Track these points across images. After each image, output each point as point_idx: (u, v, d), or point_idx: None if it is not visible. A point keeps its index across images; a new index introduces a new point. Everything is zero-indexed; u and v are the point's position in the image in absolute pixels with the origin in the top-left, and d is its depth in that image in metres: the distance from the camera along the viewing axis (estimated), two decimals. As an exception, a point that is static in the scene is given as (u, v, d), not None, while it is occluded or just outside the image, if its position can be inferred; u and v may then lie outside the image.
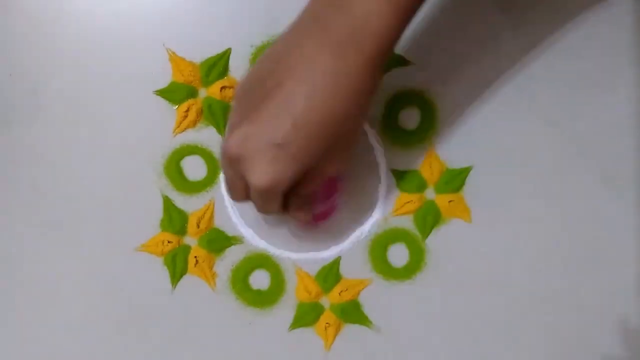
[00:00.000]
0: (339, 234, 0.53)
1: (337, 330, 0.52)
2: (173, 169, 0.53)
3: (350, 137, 0.45)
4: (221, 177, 0.53)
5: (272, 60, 0.44)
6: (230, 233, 0.53)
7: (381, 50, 0.43)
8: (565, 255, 0.53)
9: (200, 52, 0.54)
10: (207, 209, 0.53)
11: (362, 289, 0.53)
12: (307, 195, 0.47)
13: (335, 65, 0.42)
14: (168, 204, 0.53)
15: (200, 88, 0.54)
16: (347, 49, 0.42)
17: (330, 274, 0.53)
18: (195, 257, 0.53)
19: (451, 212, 0.53)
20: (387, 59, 0.44)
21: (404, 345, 0.52)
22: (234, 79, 0.54)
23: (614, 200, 0.53)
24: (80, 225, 0.53)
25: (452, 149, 0.53)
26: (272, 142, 0.43)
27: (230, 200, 0.53)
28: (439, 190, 0.53)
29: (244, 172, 0.44)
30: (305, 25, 0.44)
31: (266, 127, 0.43)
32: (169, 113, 0.54)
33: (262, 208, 0.47)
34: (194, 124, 0.54)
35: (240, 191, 0.46)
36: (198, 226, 0.53)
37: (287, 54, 0.43)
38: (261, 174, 0.43)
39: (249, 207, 0.53)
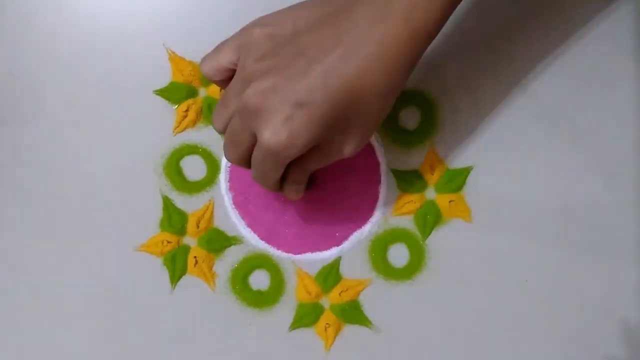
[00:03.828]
0: (339, 234, 0.53)
1: (337, 331, 0.52)
2: (173, 168, 0.53)
3: (374, 115, 0.43)
4: (221, 176, 0.53)
5: (317, 17, 0.43)
6: (230, 233, 0.53)
7: (428, 26, 0.42)
8: (565, 255, 0.52)
9: (200, 52, 0.53)
10: (207, 209, 0.53)
11: (362, 289, 0.53)
12: (310, 170, 0.46)
13: (380, 33, 0.41)
14: (167, 203, 0.53)
15: (200, 88, 0.54)
16: (395, 16, 0.41)
17: (330, 275, 0.53)
18: (195, 257, 0.53)
19: (452, 212, 0.53)
20: (428, 43, 0.43)
21: (404, 345, 0.52)
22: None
23: (615, 200, 0.53)
24: (80, 225, 0.53)
25: (452, 148, 0.53)
26: (295, 99, 0.41)
27: (228, 195, 0.53)
28: (440, 190, 0.53)
29: (257, 126, 0.42)
30: None
31: (293, 82, 0.41)
32: (168, 113, 0.54)
33: (262, 173, 0.45)
34: (193, 123, 0.54)
35: (242, 147, 0.44)
36: (197, 226, 0.53)
37: (334, 14, 0.42)
38: (275, 132, 0.41)
39: (248, 207, 0.53)
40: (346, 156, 0.45)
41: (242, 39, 0.44)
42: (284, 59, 0.42)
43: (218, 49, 0.46)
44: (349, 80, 0.41)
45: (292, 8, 0.45)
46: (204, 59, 0.46)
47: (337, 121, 0.42)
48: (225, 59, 0.45)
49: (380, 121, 0.44)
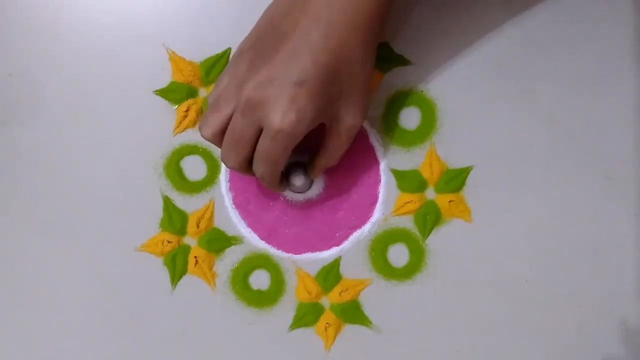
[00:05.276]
0: (339, 234, 0.53)
1: (337, 331, 0.52)
2: (173, 168, 0.53)
3: (361, 76, 0.46)
4: (221, 176, 0.53)
5: (285, 5, 0.46)
6: (230, 233, 0.53)
7: None
8: (565, 255, 0.52)
9: (200, 52, 0.54)
10: (207, 209, 0.53)
11: (362, 289, 0.53)
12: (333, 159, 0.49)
13: (347, 5, 0.44)
14: (168, 203, 0.53)
15: (200, 88, 0.54)
16: None
17: (330, 274, 0.53)
18: (195, 257, 0.53)
19: (451, 212, 0.53)
20: (388, 12, 0.46)
21: (404, 345, 0.52)
22: (233, 79, 0.54)
23: (615, 200, 0.53)
24: (80, 225, 0.53)
25: (452, 148, 0.53)
26: (292, 80, 0.44)
27: (228, 195, 0.53)
28: (439, 190, 0.53)
29: (264, 115, 0.45)
30: None
31: (286, 67, 0.44)
32: (168, 113, 0.54)
33: (271, 163, 0.47)
34: (194, 123, 0.54)
35: (245, 145, 0.46)
36: (198, 226, 0.53)
37: None
38: (284, 113, 0.44)
39: (249, 207, 0.53)
40: (355, 128, 0.48)
41: (228, 67, 0.48)
42: (267, 52, 0.45)
43: (213, 107, 0.47)
44: (332, 51, 0.44)
45: (268, 8, 0.48)
46: (203, 124, 0.47)
47: (333, 89, 0.45)
48: (226, 112, 0.47)
49: (368, 82, 0.47)
